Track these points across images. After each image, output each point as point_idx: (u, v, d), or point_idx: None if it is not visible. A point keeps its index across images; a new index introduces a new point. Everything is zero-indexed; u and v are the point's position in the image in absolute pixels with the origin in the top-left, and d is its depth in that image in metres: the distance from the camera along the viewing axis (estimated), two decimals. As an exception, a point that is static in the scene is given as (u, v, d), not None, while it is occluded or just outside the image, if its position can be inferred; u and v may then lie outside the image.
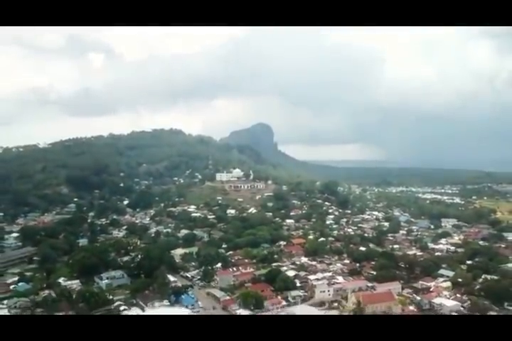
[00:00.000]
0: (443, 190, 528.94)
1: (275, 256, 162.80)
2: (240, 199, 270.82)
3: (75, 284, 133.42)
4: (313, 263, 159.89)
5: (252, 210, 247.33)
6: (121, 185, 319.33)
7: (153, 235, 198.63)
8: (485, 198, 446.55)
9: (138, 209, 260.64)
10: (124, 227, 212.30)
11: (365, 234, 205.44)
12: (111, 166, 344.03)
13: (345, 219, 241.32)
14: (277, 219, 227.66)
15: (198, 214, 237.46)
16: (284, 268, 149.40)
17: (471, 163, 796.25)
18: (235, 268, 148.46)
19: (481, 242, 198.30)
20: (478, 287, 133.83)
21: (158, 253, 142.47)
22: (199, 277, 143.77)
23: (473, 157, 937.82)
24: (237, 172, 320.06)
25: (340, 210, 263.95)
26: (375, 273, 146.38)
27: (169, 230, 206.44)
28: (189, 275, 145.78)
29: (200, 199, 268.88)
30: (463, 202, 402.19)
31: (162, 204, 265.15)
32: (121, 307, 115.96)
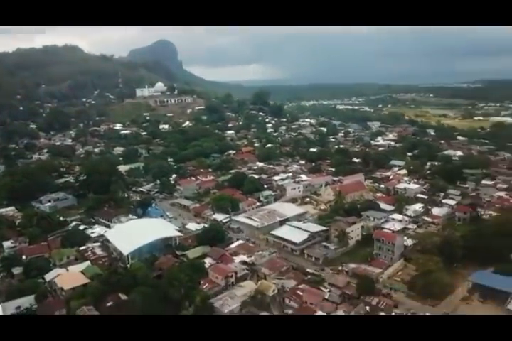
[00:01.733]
0: (351, 101, 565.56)
1: (230, 164, 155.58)
2: (169, 114, 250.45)
3: (10, 211, 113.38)
4: (271, 166, 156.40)
5: (188, 124, 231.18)
6: (21, 108, 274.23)
7: (82, 156, 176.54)
8: (389, 106, 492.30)
9: (53, 132, 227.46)
10: (45, 150, 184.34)
11: (309, 138, 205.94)
12: (2, 88, 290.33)
13: (283, 127, 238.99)
14: (217, 131, 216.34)
15: (127, 132, 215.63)
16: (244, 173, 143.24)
17: (370, 77, 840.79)
18: (193, 178, 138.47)
19: (412, 137, 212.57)
20: (429, 172, 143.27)
21: (107, 168, 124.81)
22: (156, 190, 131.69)
23: (371, 72, 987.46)
24: (160, 86, 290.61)
25: (276, 119, 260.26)
26: (333, 169, 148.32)
27: (102, 149, 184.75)
28: (144, 190, 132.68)
29: (124, 117, 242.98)
30: (372, 110, 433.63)
31: (81, 125, 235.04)
32: (81, 227, 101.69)
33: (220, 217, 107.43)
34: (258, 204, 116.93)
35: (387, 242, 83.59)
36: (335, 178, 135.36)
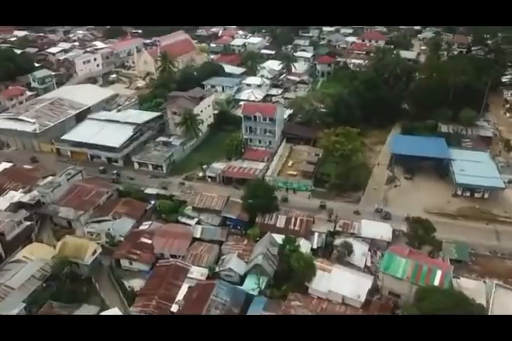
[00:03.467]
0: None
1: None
2: None
3: None
4: (41, 34, 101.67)
5: None
6: None
7: None
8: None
9: None
10: None
11: None
12: None
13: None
14: None
15: None
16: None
17: None
18: None
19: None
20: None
21: None
22: None
23: None
24: None
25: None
26: (140, 30, 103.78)
27: None
28: None
29: None
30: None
31: None
32: None
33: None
34: (30, 94, 69.75)
35: (262, 119, 52.80)
36: (147, 41, 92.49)
